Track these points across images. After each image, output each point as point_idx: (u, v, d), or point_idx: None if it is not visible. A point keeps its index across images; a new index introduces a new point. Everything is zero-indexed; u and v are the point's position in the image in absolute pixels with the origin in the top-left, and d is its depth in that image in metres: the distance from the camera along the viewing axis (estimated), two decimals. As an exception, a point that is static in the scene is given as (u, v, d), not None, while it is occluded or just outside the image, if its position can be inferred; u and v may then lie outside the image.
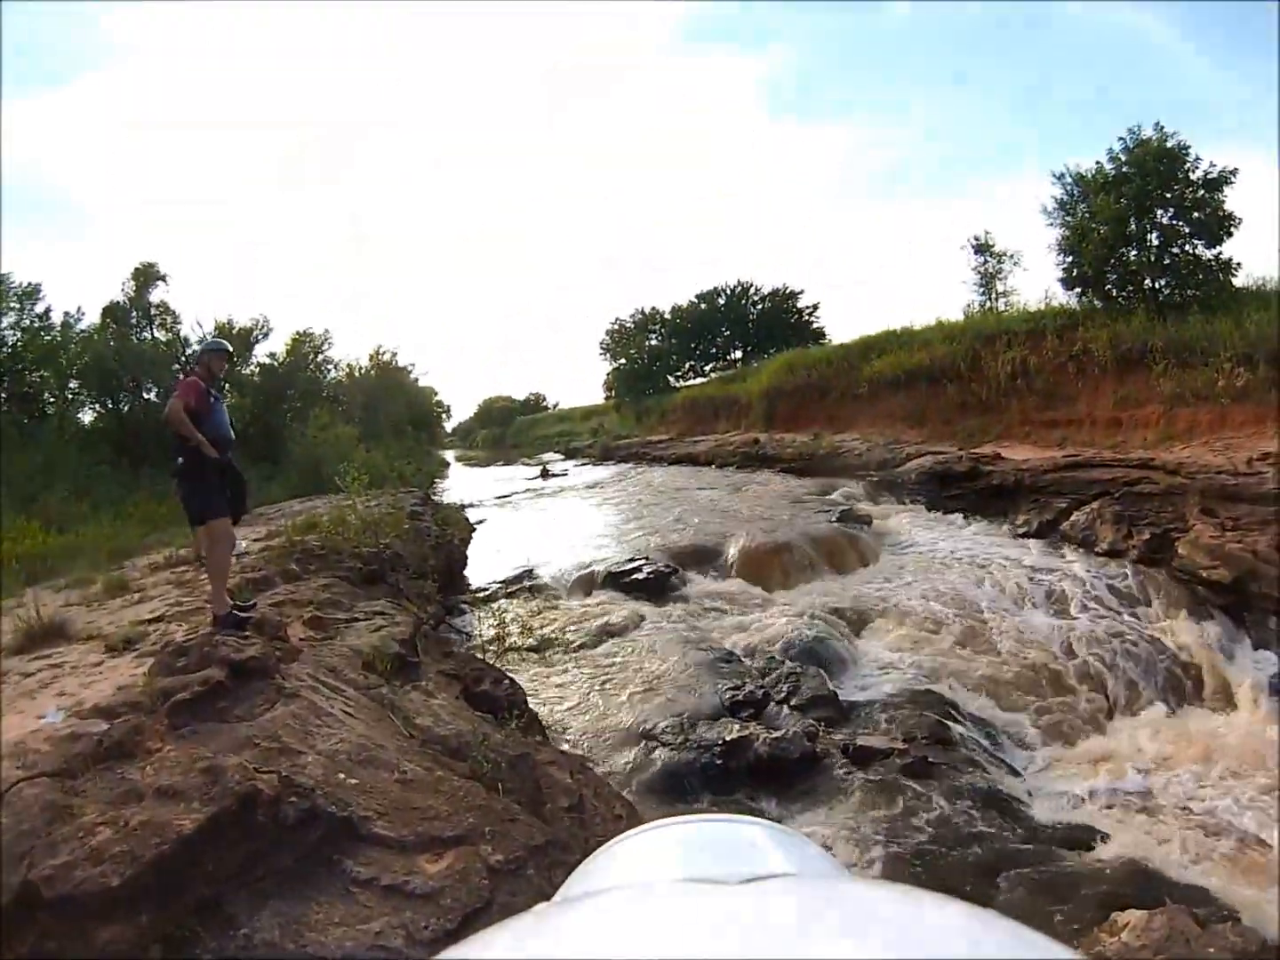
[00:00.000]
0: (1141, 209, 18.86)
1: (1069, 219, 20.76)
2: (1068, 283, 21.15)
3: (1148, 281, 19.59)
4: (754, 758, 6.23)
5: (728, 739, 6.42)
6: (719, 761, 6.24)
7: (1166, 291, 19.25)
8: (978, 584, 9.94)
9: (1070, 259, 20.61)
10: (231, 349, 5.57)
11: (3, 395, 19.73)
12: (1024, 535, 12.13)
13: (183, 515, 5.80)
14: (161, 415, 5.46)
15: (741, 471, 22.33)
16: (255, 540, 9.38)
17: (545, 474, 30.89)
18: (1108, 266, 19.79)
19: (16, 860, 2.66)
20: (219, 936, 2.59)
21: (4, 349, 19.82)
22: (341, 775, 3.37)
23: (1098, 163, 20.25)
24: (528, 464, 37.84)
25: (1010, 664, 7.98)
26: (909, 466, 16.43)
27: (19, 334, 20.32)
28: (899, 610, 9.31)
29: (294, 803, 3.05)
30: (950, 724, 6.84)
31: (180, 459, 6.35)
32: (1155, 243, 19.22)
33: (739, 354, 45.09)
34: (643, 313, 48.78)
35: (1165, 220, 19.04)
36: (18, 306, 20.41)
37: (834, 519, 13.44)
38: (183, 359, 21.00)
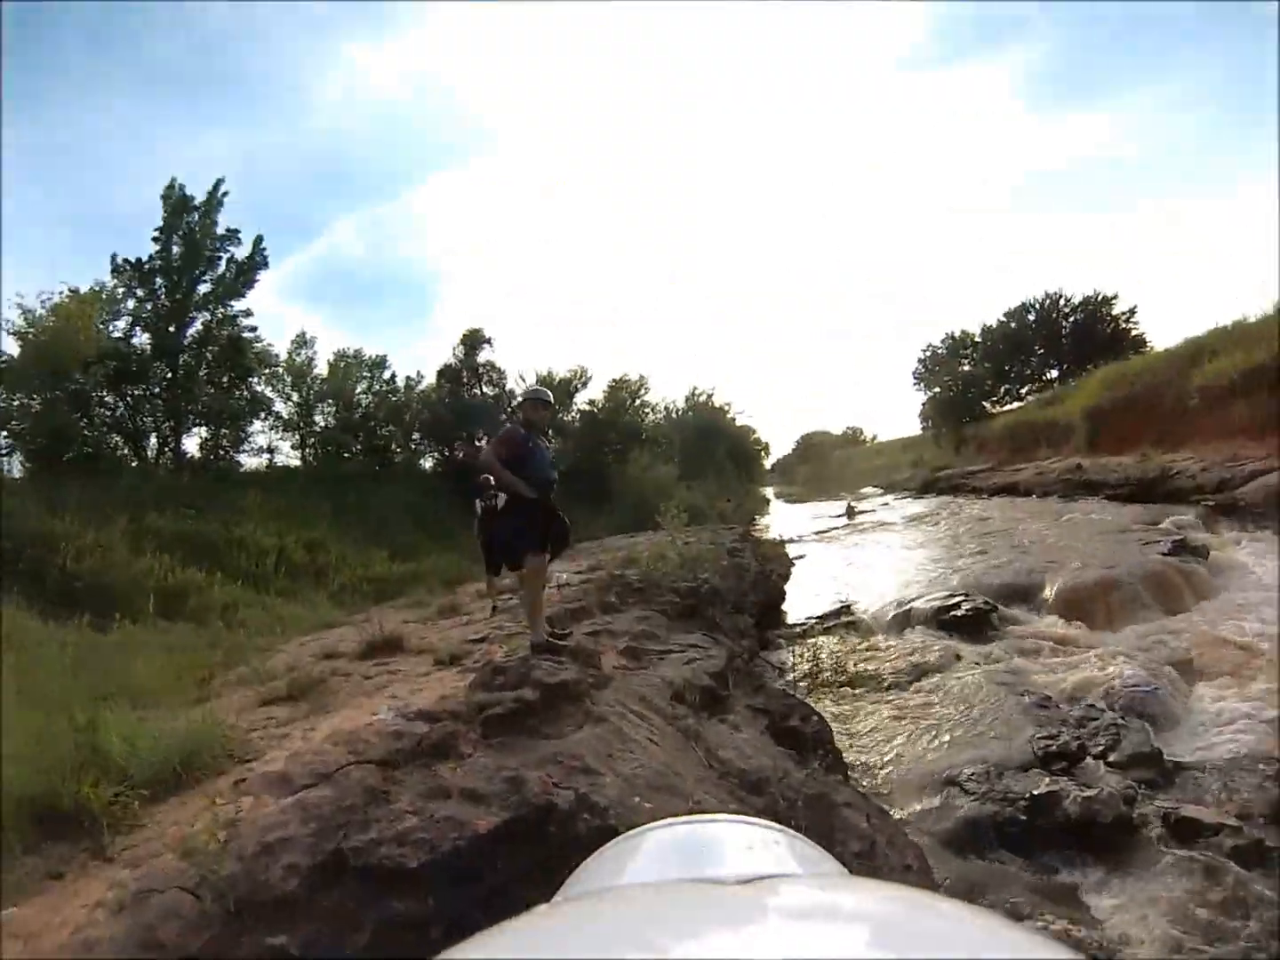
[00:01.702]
0: None
1: None
2: None
3: None
4: (1062, 817, 5.63)
5: (1035, 793, 5.89)
6: (1023, 817, 5.72)
7: None
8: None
9: None
10: (549, 396, 5.88)
11: (359, 448, 23.75)
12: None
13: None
14: (478, 460, 5.90)
15: (1063, 500, 20.62)
16: (577, 573, 10.04)
17: (851, 513, 30.07)
18: None
19: (334, 830, 3.07)
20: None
21: (359, 410, 24.13)
22: (636, 799, 3.48)
23: None
24: (845, 499, 37.54)
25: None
26: (1252, 486, 14.22)
27: (370, 397, 24.65)
28: (1240, 657, 8.07)
29: (587, 819, 3.23)
30: (1295, 800, 5.69)
31: (496, 501, 7.24)
32: None
33: (1055, 373, 41.90)
34: (953, 337, 47.32)
35: None
36: (369, 375, 24.86)
37: (1164, 551, 11.88)
38: (508, 410, 23.61)
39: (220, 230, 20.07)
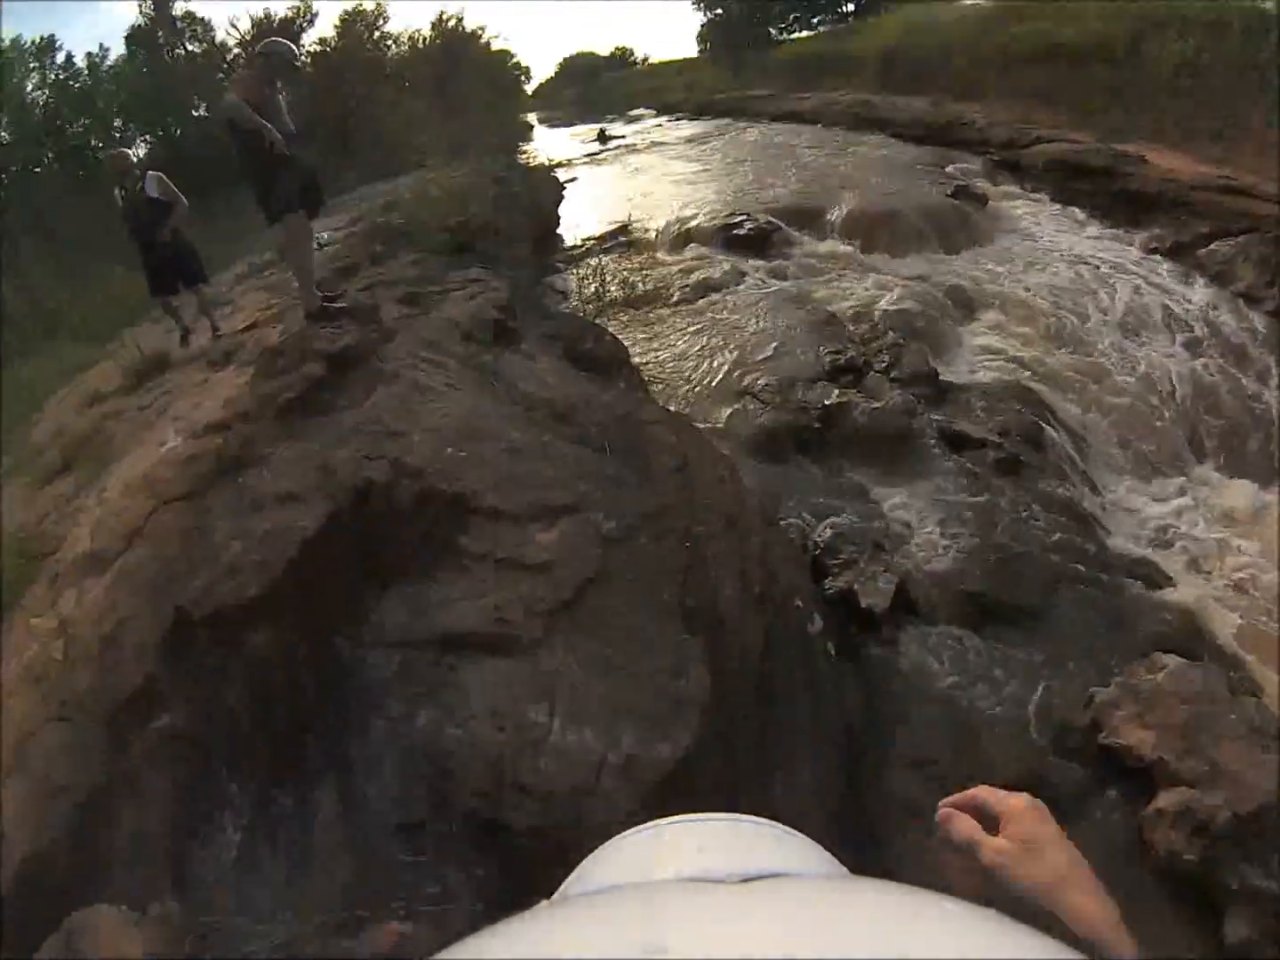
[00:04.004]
0: None
1: None
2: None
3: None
4: (852, 426, 6.14)
5: (827, 403, 6.31)
6: (816, 425, 6.16)
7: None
8: (1093, 291, 9.05)
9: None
10: (287, 47, 4.97)
11: (50, 157, 19.05)
12: (1153, 251, 10.67)
13: (262, 224, 5.49)
14: (216, 110, 4.94)
15: (850, 133, 19.96)
16: (337, 230, 9.22)
17: (603, 137, 27.92)
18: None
19: (165, 589, 2.83)
20: (353, 626, 2.74)
21: (37, 110, 18.98)
22: (449, 450, 3.35)
23: None
24: (615, 121, 35.51)
25: (1110, 382, 7.44)
26: (1036, 150, 14.35)
27: (47, 91, 19.34)
28: (1006, 299, 8.71)
29: (406, 485, 3.10)
30: (1044, 426, 6.53)
31: (143, 183, 6.14)
32: None
33: (852, 6, 38.49)
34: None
35: None
36: (38, 65, 19.25)
37: (947, 193, 12.12)
38: (225, 67, 19.90)
39: None
